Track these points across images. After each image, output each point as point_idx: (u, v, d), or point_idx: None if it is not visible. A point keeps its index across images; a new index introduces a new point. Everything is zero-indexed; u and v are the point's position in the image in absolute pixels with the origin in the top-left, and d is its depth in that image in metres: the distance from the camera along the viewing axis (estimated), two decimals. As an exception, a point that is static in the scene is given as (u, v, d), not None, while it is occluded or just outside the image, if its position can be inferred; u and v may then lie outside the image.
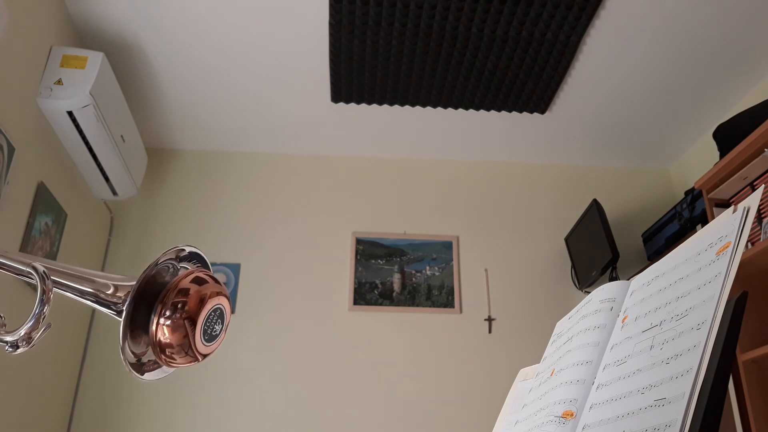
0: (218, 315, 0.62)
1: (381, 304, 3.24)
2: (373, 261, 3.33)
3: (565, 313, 0.95)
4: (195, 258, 0.65)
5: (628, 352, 0.68)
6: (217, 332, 0.62)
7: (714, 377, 0.54)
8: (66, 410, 2.89)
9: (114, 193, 2.98)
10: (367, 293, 3.26)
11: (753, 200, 0.62)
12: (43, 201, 2.48)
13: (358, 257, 3.33)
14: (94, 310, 3.09)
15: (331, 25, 2.58)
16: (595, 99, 3.08)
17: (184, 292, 0.60)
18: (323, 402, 3.02)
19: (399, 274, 3.31)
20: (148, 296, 0.60)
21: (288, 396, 3.02)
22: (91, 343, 3.05)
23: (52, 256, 2.59)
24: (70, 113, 2.43)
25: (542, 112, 3.16)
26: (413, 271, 3.32)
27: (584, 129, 3.34)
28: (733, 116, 2.60)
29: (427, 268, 3.34)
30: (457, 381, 3.10)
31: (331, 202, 3.45)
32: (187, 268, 0.63)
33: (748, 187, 2.37)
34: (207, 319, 0.60)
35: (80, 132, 2.53)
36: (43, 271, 0.58)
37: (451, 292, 3.29)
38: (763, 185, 2.23)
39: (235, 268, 3.24)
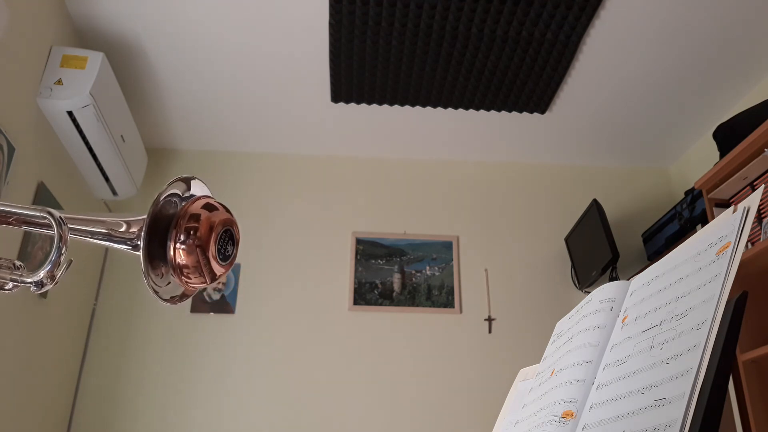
0: (229, 236, 0.66)
1: (381, 304, 3.24)
2: (373, 261, 3.33)
3: (565, 313, 0.95)
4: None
5: (628, 352, 0.68)
6: (230, 253, 0.66)
7: (714, 377, 0.54)
8: (66, 408, 2.89)
9: (114, 193, 2.98)
10: (367, 293, 3.26)
11: (753, 200, 0.62)
12: (43, 201, 2.48)
13: (358, 257, 3.33)
14: (94, 309, 3.09)
15: (331, 25, 2.58)
16: (595, 99, 3.08)
17: (196, 217, 0.64)
18: (323, 402, 3.02)
19: (399, 274, 3.31)
20: (159, 226, 0.63)
21: (288, 396, 3.02)
22: (91, 341, 3.05)
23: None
24: (70, 113, 2.43)
25: (542, 112, 3.16)
26: (413, 271, 3.32)
27: (584, 129, 3.34)
28: (733, 116, 2.60)
29: (427, 268, 3.34)
30: (457, 381, 3.10)
31: (331, 202, 3.45)
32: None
33: (748, 187, 2.37)
34: (219, 240, 0.64)
35: (80, 132, 2.53)
36: (60, 217, 0.61)
37: (451, 292, 3.28)
38: (763, 185, 2.23)
39: (235, 268, 3.24)
